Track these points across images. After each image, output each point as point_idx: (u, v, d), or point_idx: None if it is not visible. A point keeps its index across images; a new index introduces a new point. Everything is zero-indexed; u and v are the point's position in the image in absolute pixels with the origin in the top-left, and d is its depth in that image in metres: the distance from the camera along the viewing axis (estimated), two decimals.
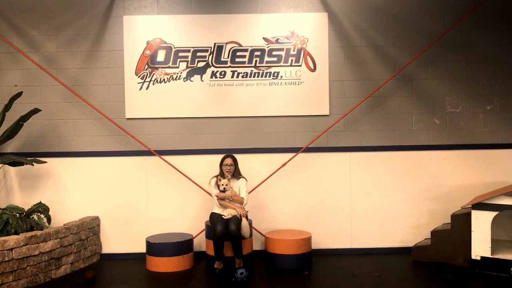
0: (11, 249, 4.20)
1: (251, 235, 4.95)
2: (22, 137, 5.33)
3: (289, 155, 5.38)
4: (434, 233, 5.04)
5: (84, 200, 5.38)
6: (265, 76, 5.42)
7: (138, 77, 5.40)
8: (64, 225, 4.89)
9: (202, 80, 5.42)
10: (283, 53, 5.42)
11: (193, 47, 5.41)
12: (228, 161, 4.97)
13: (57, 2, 5.38)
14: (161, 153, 5.36)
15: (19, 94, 5.05)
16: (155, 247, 4.86)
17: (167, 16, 5.41)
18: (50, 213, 4.97)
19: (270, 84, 5.43)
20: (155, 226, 5.37)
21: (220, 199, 4.87)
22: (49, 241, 4.54)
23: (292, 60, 5.42)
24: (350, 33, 5.46)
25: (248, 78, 5.42)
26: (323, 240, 5.44)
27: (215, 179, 4.98)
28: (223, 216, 4.78)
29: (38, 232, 4.47)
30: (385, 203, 5.46)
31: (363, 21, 5.45)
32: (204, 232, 5.18)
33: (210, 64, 5.41)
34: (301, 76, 5.42)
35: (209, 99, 5.42)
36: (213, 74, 5.41)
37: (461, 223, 4.81)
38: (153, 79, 5.40)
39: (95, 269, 4.90)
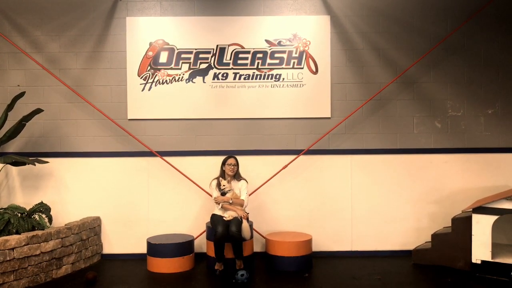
0: (13, 249, 4.20)
1: (251, 236, 4.96)
2: (24, 137, 5.34)
3: (291, 157, 5.39)
4: (435, 236, 5.04)
5: (86, 200, 5.40)
6: (267, 78, 5.44)
7: (141, 78, 5.42)
8: (65, 225, 4.90)
9: (204, 82, 5.43)
10: (285, 56, 5.43)
11: (196, 49, 5.43)
12: (232, 161, 4.97)
13: (60, 3, 5.41)
14: (162, 154, 5.38)
15: (21, 94, 5.07)
16: (156, 248, 4.87)
17: (170, 17, 5.42)
18: (51, 213, 4.98)
19: (272, 86, 5.44)
20: (156, 227, 5.38)
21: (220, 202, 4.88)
22: (50, 241, 4.54)
23: (294, 62, 5.43)
24: (352, 36, 5.47)
25: (250, 80, 5.43)
26: (323, 243, 5.45)
27: (216, 181, 4.99)
28: (224, 218, 4.79)
29: (40, 232, 4.48)
30: (386, 206, 5.47)
31: (365, 24, 5.47)
32: (205, 234, 5.18)
33: (213, 66, 5.43)
34: (303, 79, 5.44)
35: (211, 101, 5.44)
36: (215, 76, 5.43)
37: (461, 226, 4.82)
38: (155, 80, 5.42)
39: (96, 269, 4.91)
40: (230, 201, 4.85)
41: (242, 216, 4.77)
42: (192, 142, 5.46)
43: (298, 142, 5.46)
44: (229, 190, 4.89)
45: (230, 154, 5.15)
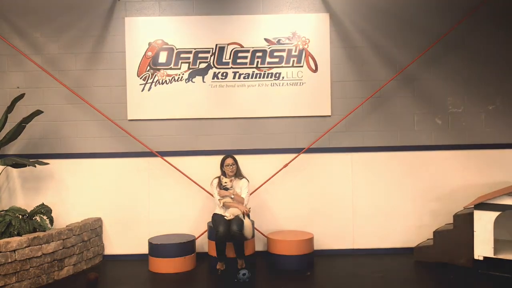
0: (14, 251, 4.20)
1: (253, 236, 4.95)
2: (24, 139, 5.34)
3: (291, 156, 5.38)
4: (437, 233, 5.03)
5: (87, 201, 5.39)
6: (267, 77, 5.43)
7: (140, 78, 5.41)
8: (66, 226, 4.90)
9: (204, 81, 5.42)
10: (284, 54, 5.42)
11: (195, 49, 5.42)
12: (229, 161, 4.97)
13: (59, 4, 5.40)
14: (163, 154, 5.37)
15: (21, 96, 5.06)
16: (157, 248, 4.87)
17: (169, 17, 5.42)
18: (52, 214, 4.98)
19: (272, 85, 5.43)
20: (157, 227, 5.37)
21: (222, 197, 4.87)
22: (51, 242, 4.55)
23: (293, 61, 5.42)
24: (352, 34, 5.46)
25: (249, 79, 5.43)
26: (325, 241, 5.44)
27: (217, 179, 4.99)
28: (225, 217, 4.78)
29: (41, 234, 4.48)
30: (387, 203, 5.46)
31: (364, 21, 5.45)
32: (206, 233, 5.18)
33: (212, 65, 5.42)
34: (303, 77, 5.43)
35: (211, 100, 5.43)
36: (215, 75, 5.42)
37: (463, 223, 4.81)
38: (155, 80, 5.41)
39: (97, 270, 4.91)
40: (232, 196, 4.84)
41: (244, 212, 4.75)
42: (193, 142, 5.45)
43: (298, 140, 5.45)
44: (231, 188, 4.89)
45: (231, 153, 5.15)
